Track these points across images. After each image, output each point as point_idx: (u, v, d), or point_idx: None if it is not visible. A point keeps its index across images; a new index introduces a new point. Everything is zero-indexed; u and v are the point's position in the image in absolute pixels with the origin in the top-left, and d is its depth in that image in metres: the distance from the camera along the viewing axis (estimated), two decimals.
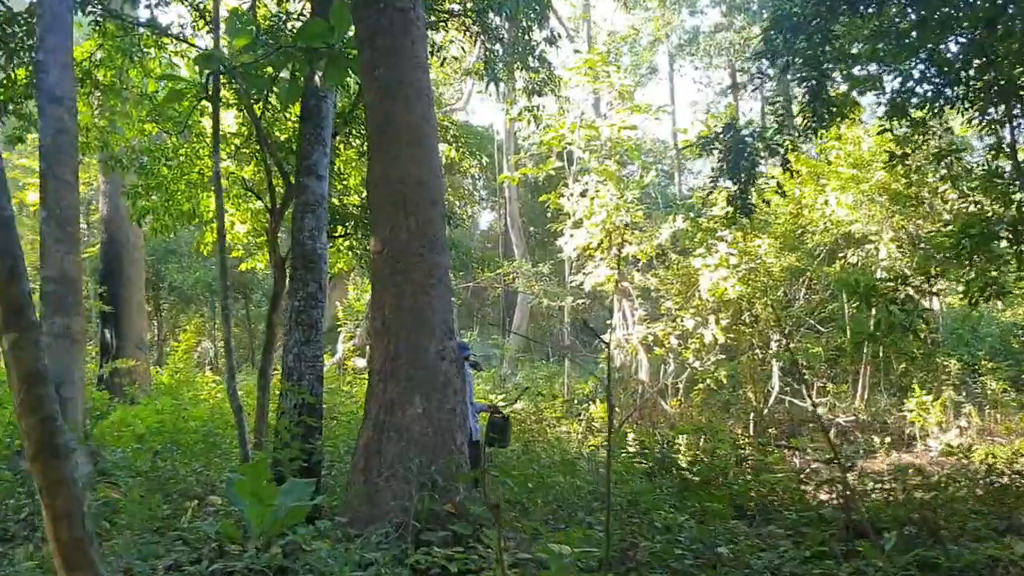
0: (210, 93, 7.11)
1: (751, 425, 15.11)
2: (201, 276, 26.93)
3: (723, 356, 15.79)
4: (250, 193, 12.89)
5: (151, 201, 13.34)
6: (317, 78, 6.93)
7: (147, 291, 27.08)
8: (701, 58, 35.67)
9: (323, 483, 6.89)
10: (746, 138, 9.52)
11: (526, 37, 11.90)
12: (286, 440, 6.23)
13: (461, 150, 13.54)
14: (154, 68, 13.31)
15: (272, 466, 6.66)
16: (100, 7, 11.44)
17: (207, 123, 14.15)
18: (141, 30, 11.98)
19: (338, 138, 12.70)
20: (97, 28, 12.19)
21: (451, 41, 13.29)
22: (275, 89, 7.26)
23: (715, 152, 9.92)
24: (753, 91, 20.76)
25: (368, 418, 5.69)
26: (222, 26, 8.14)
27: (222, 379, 21.54)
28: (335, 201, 12.82)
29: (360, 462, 5.59)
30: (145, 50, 12.56)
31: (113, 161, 13.06)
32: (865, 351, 14.92)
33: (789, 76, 9.73)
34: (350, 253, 13.33)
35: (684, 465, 8.66)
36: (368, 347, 20.79)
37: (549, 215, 24.28)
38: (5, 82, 11.45)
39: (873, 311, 9.49)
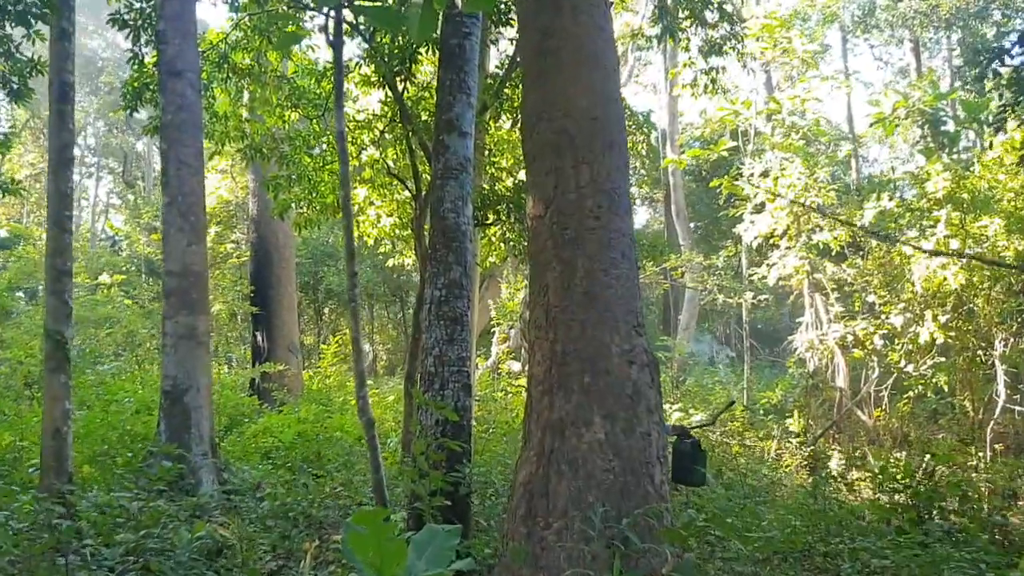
0: (331, 35, 5.78)
1: (972, 440, 12.63)
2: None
3: (942, 359, 13.30)
4: (396, 181, 11.69)
5: (292, 193, 12.41)
6: (459, 0, 5.47)
7: (307, 294, 26.99)
8: (877, 35, 32.41)
9: (472, 524, 5.37)
10: None
11: None
12: (424, 469, 4.74)
13: (627, 125, 11.80)
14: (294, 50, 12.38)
15: (409, 502, 5.21)
16: None
17: (350, 109, 13.16)
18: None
19: (488, 114, 11.31)
20: (231, 2, 11.33)
21: None
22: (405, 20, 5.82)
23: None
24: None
25: (529, 445, 4.12)
26: None
27: (376, 383, 20.79)
28: (484, 187, 11.43)
29: (519, 507, 4.02)
30: (283, 27, 11.59)
31: (252, 151, 12.17)
32: None
33: None
34: (503, 245, 11.88)
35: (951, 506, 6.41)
36: (523, 349, 19.38)
37: (717, 204, 22.14)
38: (135, 69, 10.71)
39: None
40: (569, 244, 4.16)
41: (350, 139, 12.04)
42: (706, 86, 11.38)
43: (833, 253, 15.12)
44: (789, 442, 11.99)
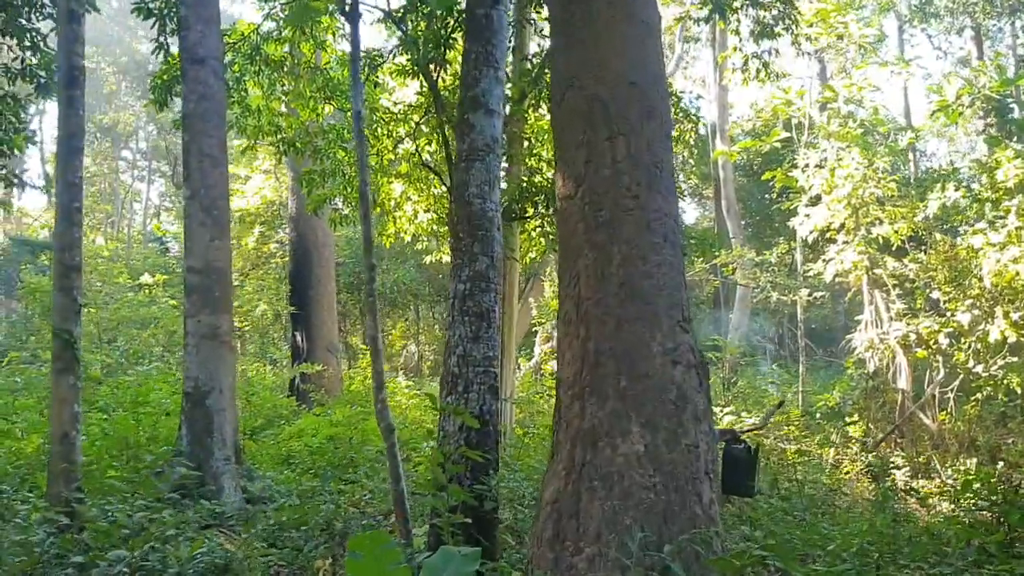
0: (348, 7, 5.32)
1: None
2: (400, 276, 26.19)
3: (1014, 358, 12.43)
4: (432, 175, 11.25)
5: (327, 189, 12.05)
6: None
7: (352, 295, 26.75)
8: (936, 24, 31.21)
9: (500, 543, 4.83)
10: None
11: None
12: (441, 482, 4.24)
13: (675, 113, 11.18)
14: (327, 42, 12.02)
15: (430, 518, 4.72)
16: None
17: (386, 101, 12.75)
18: None
19: (527, 102, 10.81)
20: None
21: None
22: None
23: None
24: None
25: (557, 458, 3.59)
26: None
27: (420, 383, 20.38)
28: (522, 178, 10.92)
29: (546, 528, 3.49)
30: (316, 18, 11.23)
31: (285, 145, 11.82)
32: None
33: None
34: (542, 240, 11.35)
35: None
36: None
37: (769, 199, 21.34)
38: (164, 61, 10.41)
39: None
40: (603, 227, 3.63)
41: (385, 131, 11.64)
42: (757, 71, 10.73)
43: (894, 248, 14.35)
44: (849, 447, 11.25)
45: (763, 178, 17.16)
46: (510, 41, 9.04)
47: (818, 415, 13.36)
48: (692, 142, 11.71)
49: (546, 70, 10.33)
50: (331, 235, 17.58)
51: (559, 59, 3.95)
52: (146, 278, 21.53)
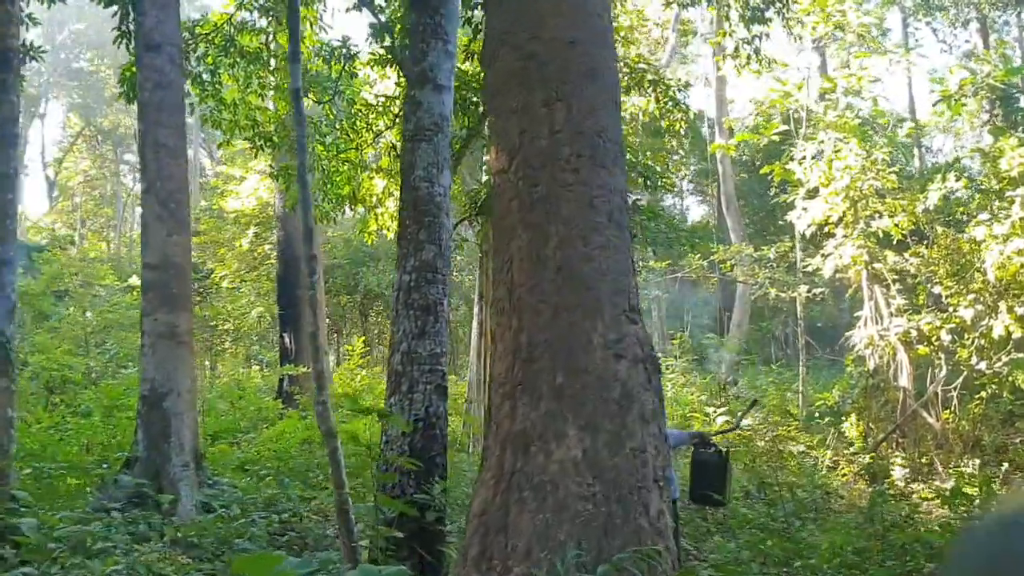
0: None
1: None
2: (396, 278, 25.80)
3: (1020, 354, 11.95)
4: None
5: None
6: None
7: (351, 296, 26.39)
8: (942, 17, 30.66)
9: (446, 559, 4.38)
10: None
11: None
12: (377, 491, 3.82)
13: (663, 102, 10.75)
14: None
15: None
16: None
17: (368, 95, 12.37)
18: None
19: None
20: None
21: None
22: None
23: None
24: None
25: (486, 464, 3.19)
26: None
27: None
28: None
29: (472, 545, 3.08)
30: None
31: (262, 140, 11.43)
32: None
33: None
34: None
35: None
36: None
37: (770, 194, 20.89)
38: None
39: None
40: (539, 205, 3.22)
41: (364, 124, 11.27)
42: (749, 57, 10.28)
43: (895, 242, 13.90)
44: (847, 448, 10.80)
45: (761, 172, 16.71)
46: (465, 13, 8.55)
47: (816, 415, 12.89)
48: (683, 132, 11.27)
49: None
50: (320, 234, 17.21)
51: (491, 14, 3.54)
52: (135, 280, 21.21)
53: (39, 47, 9.77)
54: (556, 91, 3.25)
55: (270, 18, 11.28)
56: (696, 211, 34.78)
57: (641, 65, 10.29)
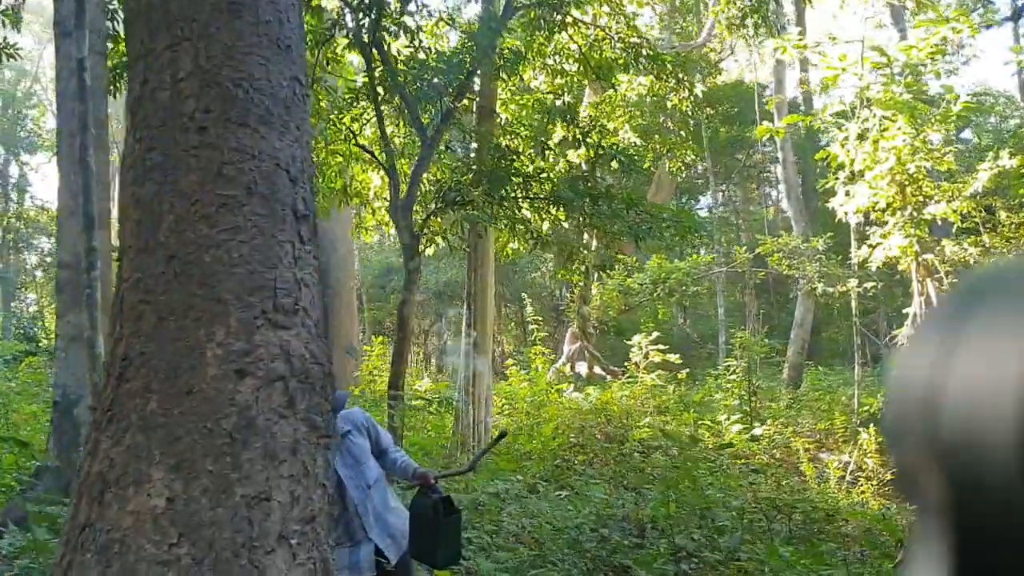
0: None
1: None
2: (456, 275, 25.53)
3: None
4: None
5: None
6: None
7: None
8: None
9: None
10: None
11: None
12: None
13: (665, 78, 9.70)
14: None
15: None
16: None
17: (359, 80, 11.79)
18: None
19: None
20: None
21: None
22: None
23: None
24: None
25: (72, 512, 2.49)
26: None
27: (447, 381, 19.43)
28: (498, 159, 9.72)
29: None
30: None
31: None
32: None
33: None
34: (521, 229, 10.14)
35: None
36: (586, 348, 17.42)
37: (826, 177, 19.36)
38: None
39: None
40: (153, 175, 2.48)
41: (349, 114, 10.70)
42: (756, 25, 9.20)
43: (954, 229, 12.48)
44: (867, 460, 9.60)
45: (816, 158, 15.34)
46: None
47: (856, 421, 11.64)
48: (688, 110, 10.24)
49: None
50: (349, 233, 16.80)
51: None
52: None
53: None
54: (182, 30, 2.52)
55: None
56: (763, 201, 32.94)
57: (634, 38, 9.32)
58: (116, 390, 2.41)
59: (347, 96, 9.40)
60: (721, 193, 28.48)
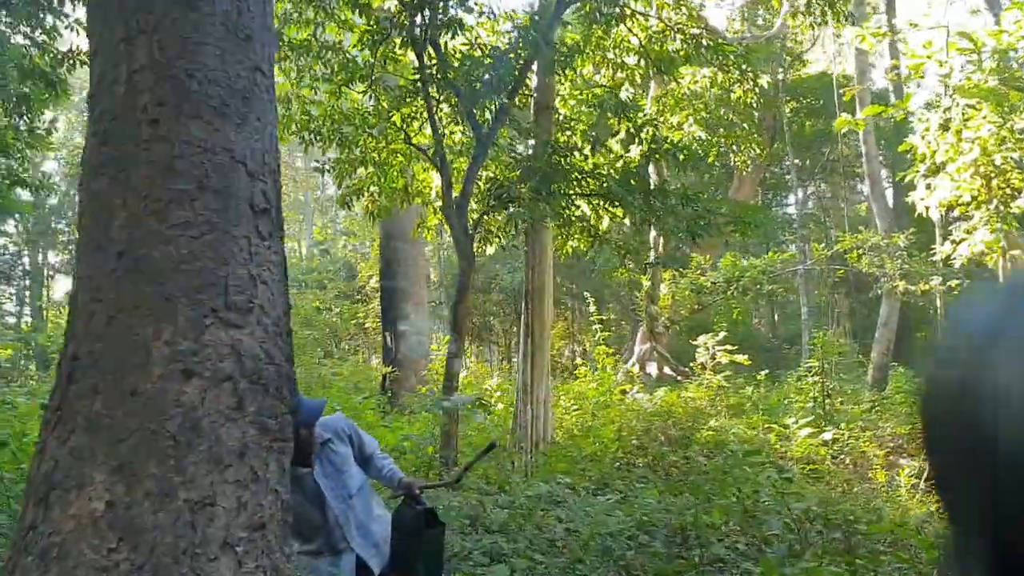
0: None
1: None
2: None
3: None
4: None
5: (356, 180, 11.31)
6: None
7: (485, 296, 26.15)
8: None
9: None
10: None
11: None
12: None
13: (728, 70, 9.36)
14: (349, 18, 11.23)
15: None
16: None
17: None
18: None
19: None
20: None
21: None
22: None
23: None
24: None
25: (21, 513, 2.46)
26: None
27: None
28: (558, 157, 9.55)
29: None
30: None
31: (310, 134, 11.12)
32: None
33: None
34: (581, 227, 9.96)
35: None
36: (655, 349, 17.02)
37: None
38: None
39: None
40: (106, 169, 2.44)
41: (407, 111, 10.70)
42: (823, 12, 8.78)
43: None
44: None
45: (899, 150, 14.66)
46: None
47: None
48: (753, 103, 9.85)
49: None
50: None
51: None
52: None
53: None
54: (139, 22, 2.46)
55: (316, 8, 10.95)
56: (851, 197, 31.67)
57: (691, 29, 9.01)
58: (65, 390, 2.37)
59: (401, 92, 9.37)
60: (806, 189, 27.62)
